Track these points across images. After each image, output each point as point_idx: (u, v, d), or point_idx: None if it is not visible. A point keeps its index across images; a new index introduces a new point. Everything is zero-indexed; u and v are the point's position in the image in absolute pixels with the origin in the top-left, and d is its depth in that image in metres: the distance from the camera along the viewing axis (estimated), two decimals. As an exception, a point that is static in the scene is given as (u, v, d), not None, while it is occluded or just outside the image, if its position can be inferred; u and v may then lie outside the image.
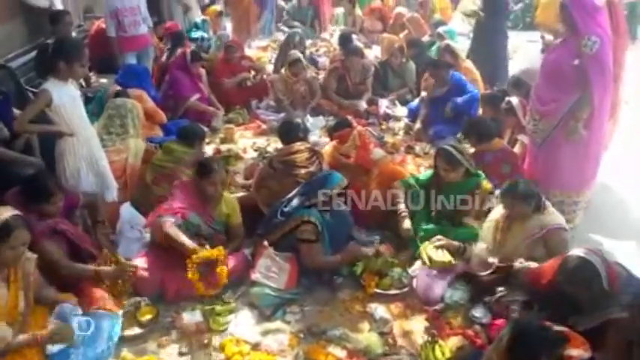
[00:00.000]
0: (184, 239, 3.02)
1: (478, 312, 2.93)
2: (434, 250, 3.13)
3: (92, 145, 3.51)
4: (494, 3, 6.09)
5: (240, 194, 4.08)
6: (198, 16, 8.06)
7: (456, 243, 3.19)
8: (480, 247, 3.18)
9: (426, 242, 3.19)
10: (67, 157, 3.37)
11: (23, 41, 5.44)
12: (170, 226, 3.06)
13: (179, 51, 5.97)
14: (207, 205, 3.35)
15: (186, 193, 3.33)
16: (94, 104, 4.56)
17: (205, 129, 5.43)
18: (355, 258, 3.27)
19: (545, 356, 2.04)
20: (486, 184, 3.47)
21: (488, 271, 3.00)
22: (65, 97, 3.27)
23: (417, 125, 5.45)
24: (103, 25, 5.77)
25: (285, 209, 3.30)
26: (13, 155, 3.57)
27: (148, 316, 2.98)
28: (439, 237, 3.21)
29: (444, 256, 3.10)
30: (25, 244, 2.52)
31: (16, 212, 2.51)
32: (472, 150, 4.04)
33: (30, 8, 5.59)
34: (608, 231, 3.85)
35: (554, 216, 3.06)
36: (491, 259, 3.03)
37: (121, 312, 2.86)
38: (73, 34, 5.37)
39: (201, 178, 3.29)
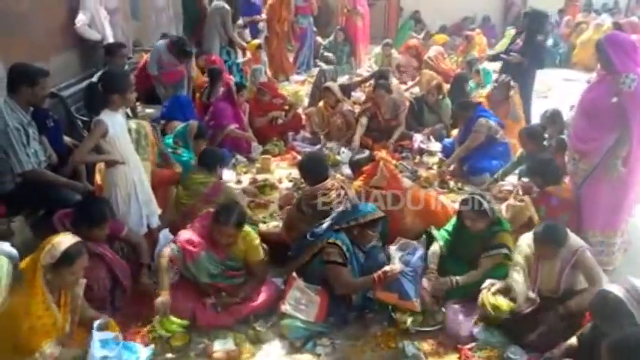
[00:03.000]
0: (163, 279, 3.10)
1: (513, 352, 2.87)
2: (494, 298, 3.07)
3: (140, 172, 3.63)
4: (533, 45, 6.12)
5: (274, 224, 4.16)
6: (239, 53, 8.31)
7: (504, 284, 3.14)
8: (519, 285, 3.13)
9: (484, 291, 3.12)
10: (119, 184, 3.48)
11: (76, 71, 5.72)
12: (163, 255, 3.13)
13: (221, 86, 6.14)
14: (219, 242, 3.27)
15: (205, 226, 3.29)
16: (178, 138, 4.67)
17: (243, 159, 5.63)
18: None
19: None
20: (503, 237, 3.39)
21: (531, 307, 2.99)
22: (117, 126, 3.41)
23: (452, 165, 5.42)
24: (151, 58, 6.05)
25: (316, 230, 3.32)
26: (63, 180, 3.72)
27: (181, 343, 3.03)
28: (491, 281, 3.16)
29: (506, 303, 3.03)
30: (83, 270, 2.63)
31: (78, 239, 2.60)
32: (510, 188, 4.02)
33: (83, 40, 5.90)
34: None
35: (575, 239, 3.07)
36: (532, 295, 3.02)
37: (152, 348, 2.90)
38: (125, 66, 5.62)
39: (214, 223, 3.21)
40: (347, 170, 5.03)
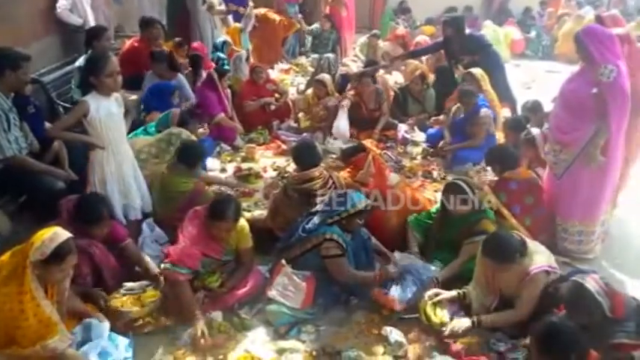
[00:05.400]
0: (191, 303, 3.06)
1: (498, 338, 2.92)
2: (431, 308, 3.07)
3: (122, 161, 3.57)
4: (470, 40, 6.30)
5: (258, 212, 4.17)
6: (222, 36, 8.19)
7: (454, 292, 3.14)
8: (475, 291, 3.14)
9: (425, 298, 3.11)
10: (97, 168, 3.47)
11: (57, 57, 5.63)
12: (182, 283, 3.06)
13: (203, 73, 6.07)
14: (216, 238, 3.25)
15: (196, 226, 3.22)
16: (161, 126, 4.56)
17: (228, 148, 5.60)
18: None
19: (574, 356, 2.19)
20: (486, 224, 3.42)
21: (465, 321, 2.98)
22: (102, 110, 3.37)
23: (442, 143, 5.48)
24: (135, 44, 5.94)
25: (307, 226, 3.33)
26: (43, 167, 3.69)
27: (152, 299, 3.06)
28: (436, 291, 3.14)
29: (440, 317, 3.03)
30: (72, 267, 2.63)
31: (69, 235, 2.57)
32: (496, 178, 4.05)
33: (64, 25, 5.81)
34: (628, 266, 3.83)
35: (536, 256, 2.97)
36: (486, 303, 3.04)
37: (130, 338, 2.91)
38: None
39: (210, 219, 3.19)
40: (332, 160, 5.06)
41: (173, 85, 5.41)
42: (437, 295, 3.12)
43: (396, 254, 3.48)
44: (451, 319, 3.02)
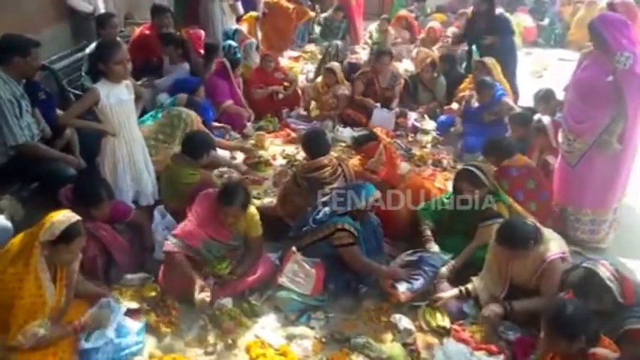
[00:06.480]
0: (188, 270, 3.09)
1: (507, 327, 2.92)
2: (431, 313, 3.08)
3: (133, 148, 3.58)
4: (498, 21, 6.28)
5: (268, 200, 4.17)
6: (231, 24, 8.13)
7: (455, 291, 3.14)
8: (483, 281, 3.13)
9: (424, 305, 3.14)
10: (108, 154, 3.50)
11: (67, 44, 5.64)
12: (174, 252, 3.09)
13: (215, 61, 6.06)
14: (224, 222, 3.24)
15: (205, 208, 3.25)
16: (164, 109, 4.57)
17: (238, 135, 5.60)
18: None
19: (585, 337, 2.19)
20: (500, 207, 3.41)
21: (496, 306, 2.96)
22: (113, 97, 3.38)
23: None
24: (146, 31, 5.92)
25: (318, 217, 3.31)
26: (54, 153, 3.71)
27: (152, 293, 3.10)
28: (438, 296, 3.15)
29: (441, 320, 3.03)
30: (81, 249, 2.66)
31: (79, 218, 2.59)
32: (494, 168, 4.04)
33: (74, 12, 5.82)
34: (639, 254, 3.81)
35: (551, 243, 2.96)
36: (496, 294, 3.02)
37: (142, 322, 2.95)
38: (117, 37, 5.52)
39: (219, 204, 3.20)
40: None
41: (194, 82, 5.24)
42: (437, 301, 3.12)
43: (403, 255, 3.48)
44: (452, 321, 3.04)
